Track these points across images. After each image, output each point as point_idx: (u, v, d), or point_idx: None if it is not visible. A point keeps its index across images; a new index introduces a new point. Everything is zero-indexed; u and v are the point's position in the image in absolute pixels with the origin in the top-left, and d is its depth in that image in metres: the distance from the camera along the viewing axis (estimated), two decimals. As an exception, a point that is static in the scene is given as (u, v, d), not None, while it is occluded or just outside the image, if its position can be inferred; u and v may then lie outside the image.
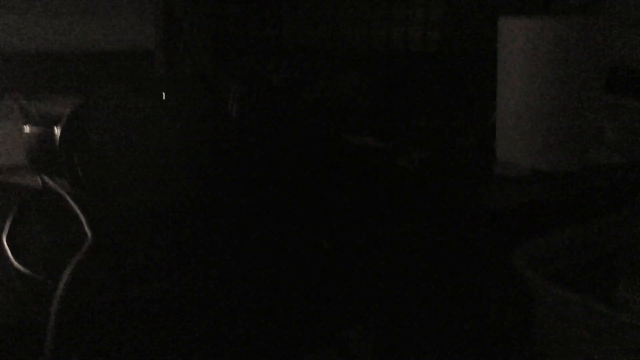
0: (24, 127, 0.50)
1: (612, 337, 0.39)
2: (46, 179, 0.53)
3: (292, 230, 0.42)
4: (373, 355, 0.51)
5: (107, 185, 0.45)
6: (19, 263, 0.36)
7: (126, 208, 0.44)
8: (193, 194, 0.44)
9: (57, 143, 0.44)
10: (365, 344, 0.50)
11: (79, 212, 0.45)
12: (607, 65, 0.59)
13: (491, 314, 0.50)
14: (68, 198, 0.49)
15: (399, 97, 0.94)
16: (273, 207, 0.48)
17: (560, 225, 0.53)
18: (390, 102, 0.93)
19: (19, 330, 0.31)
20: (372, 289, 0.43)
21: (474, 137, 0.70)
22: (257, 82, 0.49)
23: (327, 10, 0.98)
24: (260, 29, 0.95)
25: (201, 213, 0.46)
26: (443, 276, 0.47)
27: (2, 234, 0.41)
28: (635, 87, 0.77)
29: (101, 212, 0.44)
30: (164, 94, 0.43)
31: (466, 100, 0.90)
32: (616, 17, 0.67)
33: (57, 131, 0.45)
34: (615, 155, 0.66)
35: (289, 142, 0.49)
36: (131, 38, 0.90)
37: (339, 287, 0.41)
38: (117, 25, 0.90)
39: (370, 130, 0.79)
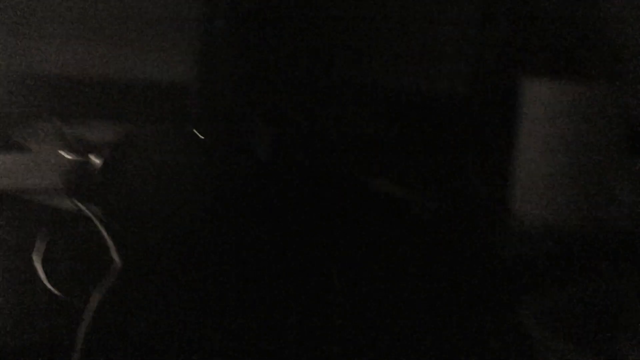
0: (60, 152, 0.52)
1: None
2: (78, 203, 0.56)
3: (305, 269, 0.44)
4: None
5: (139, 215, 0.47)
6: (50, 284, 0.38)
7: (154, 238, 0.46)
8: (218, 231, 0.46)
9: (97, 171, 0.47)
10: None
11: (107, 238, 0.47)
12: (628, 129, 0.61)
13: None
14: (98, 224, 0.51)
15: (420, 141, 0.96)
16: (290, 246, 0.49)
17: (569, 280, 0.54)
18: (411, 146, 0.94)
19: (45, 352, 0.32)
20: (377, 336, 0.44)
21: (490, 187, 0.71)
22: (285, 124, 0.51)
23: (363, 50, 1.01)
24: (300, 68, 0.98)
25: (224, 249, 0.48)
26: (447, 324, 0.48)
27: (33, 254, 0.44)
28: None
29: (130, 240, 0.47)
30: (195, 131, 0.45)
31: (486, 151, 0.92)
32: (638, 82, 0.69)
33: (93, 159, 0.48)
34: (627, 218, 0.67)
35: (312, 186, 0.51)
36: (168, 69, 0.93)
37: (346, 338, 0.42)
38: (155, 56, 0.94)
39: (387, 172, 0.81)
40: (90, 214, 0.54)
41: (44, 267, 0.42)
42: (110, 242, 0.47)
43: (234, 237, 0.49)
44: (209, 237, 0.46)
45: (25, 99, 0.89)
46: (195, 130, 0.46)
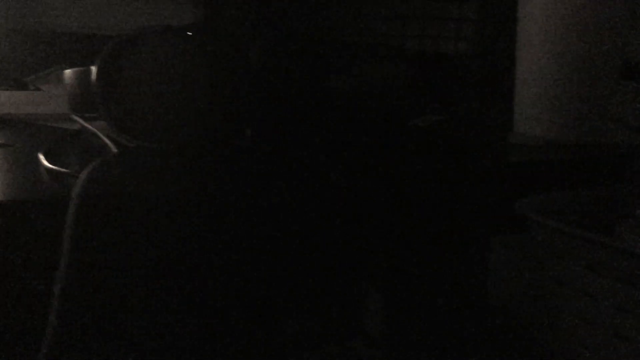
0: (65, 70, 0.54)
1: (609, 267, 0.40)
2: (83, 122, 0.57)
3: (304, 173, 0.45)
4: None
5: (139, 121, 0.48)
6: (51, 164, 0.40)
7: (153, 141, 0.48)
8: (215, 136, 0.47)
9: (94, 79, 0.48)
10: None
11: (111, 147, 0.49)
12: (623, 53, 0.61)
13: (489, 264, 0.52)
14: (101, 136, 0.53)
15: (431, 91, 0.96)
16: (288, 152, 0.50)
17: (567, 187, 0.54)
18: (418, 91, 0.94)
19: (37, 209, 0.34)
20: (377, 247, 0.45)
21: (491, 107, 0.71)
22: (279, 38, 0.52)
23: (362, 5, 1.02)
24: (296, 20, 0.99)
25: (219, 158, 0.49)
26: (446, 231, 0.49)
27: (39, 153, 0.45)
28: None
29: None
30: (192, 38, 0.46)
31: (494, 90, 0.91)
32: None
33: (94, 69, 0.49)
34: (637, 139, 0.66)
35: (307, 91, 0.52)
36: (175, 20, 0.95)
37: (345, 250, 0.43)
38: (161, 7, 0.95)
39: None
40: (94, 129, 0.55)
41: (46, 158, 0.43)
42: (111, 148, 0.48)
43: (228, 145, 0.49)
44: (204, 143, 0.47)
45: (37, 54, 0.92)
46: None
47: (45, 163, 0.39)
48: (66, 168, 0.42)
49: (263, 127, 0.51)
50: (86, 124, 0.57)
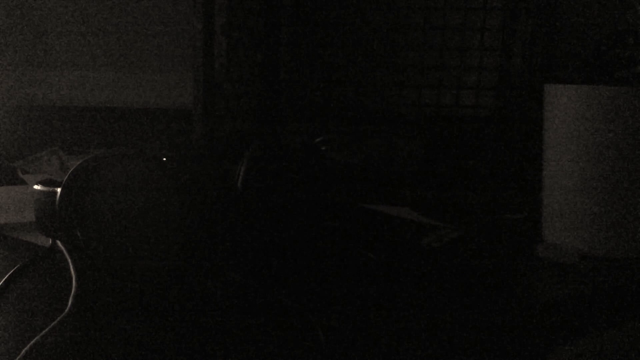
0: (34, 186, 0.48)
1: None
2: (57, 241, 0.52)
3: (295, 316, 0.38)
4: None
5: (104, 248, 0.42)
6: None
7: (120, 278, 0.41)
8: (189, 264, 0.41)
9: (57, 202, 0.42)
10: None
11: (74, 280, 0.43)
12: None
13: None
14: (70, 263, 0.47)
15: (446, 165, 0.90)
16: (277, 284, 0.44)
17: (607, 320, 0.46)
18: (436, 171, 0.88)
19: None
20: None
21: (518, 216, 0.64)
22: (269, 146, 0.45)
23: (376, 74, 0.96)
24: (304, 93, 0.94)
25: (194, 286, 0.43)
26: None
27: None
28: None
29: (93, 281, 0.42)
30: (164, 159, 0.40)
31: (514, 173, 0.84)
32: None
33: (57, 189, 0.43)
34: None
35: (300, 212, 0.46)
36: (172, 97, 0.91)
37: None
38: (158, 84, 0.91)
39: (410, 200, 0.75)
40: (64, 251, 0.49)
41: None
42: (73, 284, 0.42)
43: (209, 281, 0.44)
44: (175, 273, 0.41)
45: (30, 130, 0.88)
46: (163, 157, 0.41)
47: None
48: (23, 314, 0.36)
49: (247, 256, 0.45)
50: (58, 242, 0.51)
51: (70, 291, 0.41)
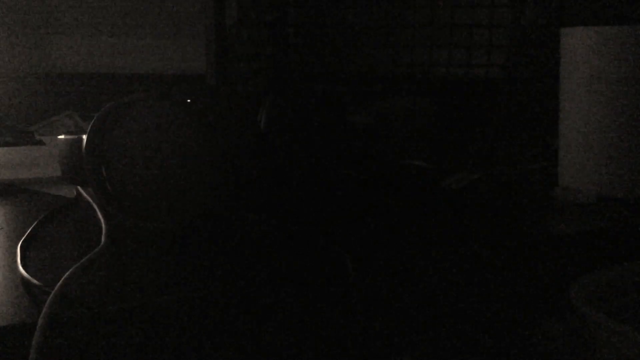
0: (59, 136, 0.49)
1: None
2: (80, 189, 0.53)
3: (320, 256, 0.39)
4: None
5: (132, 193, 0.43)
6: (27, 270, 0.35)
7: (148, 219, 0.42)
8: (215, 209, 0.42)
9: (83, 148, 0.43)
10: None
11: (102, 220, 0.44)
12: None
13: (545, 349, 0.45)
14: (96, 208, 0.47)
15: (459, 122, 0.90)
16: (299, 227, 0.44)
17: (627, 257, 0.47)
18: (448, 128, 0.88)
19: (15, 335, 0.29)
20: (409, 317, 0.39)
21: (535, 160, 0.65)
22: (291, 98, 0.46)
23: (388, 34, 0.96)
24: (317, 54, 0.94)
25: (220, 232, 0.43)
26: (489, 308, 0.42)
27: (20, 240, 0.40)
28: None
29: (123, 222, 0.43)
30: (189, 100, 0.41)
31: (528, 125, 0.84)
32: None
33: (84, 138, 0.44)
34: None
35: (320, 159, 0.46)
36: (185, 62, 0.91)
37: (366, 319, 0.37)
38: (170, 49, 0.91)
39: (424, 155, 0.75)
40: (90, 199, 0.50)
41: (25, 251, 0.38)
42: (104, 225, 0.43)
43: (231, 218, 0.44)
44: (201, 220, 0.41)
45: (46, 96, 0.88)
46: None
47: (21, 270, 0.34)
48: (53, 258, 0.37)
49: (271, 202, 0.45)
50: (83, 192, 0.52)
51: (99, 233, 0.42)
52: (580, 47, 0.53)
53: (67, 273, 0.32)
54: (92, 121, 0.42)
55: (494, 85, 0.92)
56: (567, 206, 0.53)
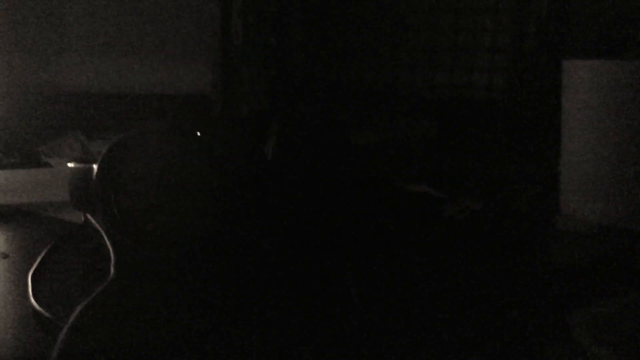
0: (68, 163, 0.50)
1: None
2: (88, 216, 0.53)
3: (324, 282, 0.40)
4: None
5: (141, 223, 0.43)
6: (38, 301, 0.35)
7: (156, 248, 0.43)
8: (224, 237, 0.43)
9: (94, 177, 0.44)
10: None
11: (111, 250, 0.44)
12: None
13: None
14: (104, 236, 0.48)
15: (460, 144, 0.91)
16: (306, 254, 0.45)
17: (629, 288, 0.48)
18: (450, 149, 0.89)
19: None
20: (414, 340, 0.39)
21: (536, 188, 0.65)
22: (298, 122, 0.47)
23: (390, 55, 0.97)
24: (320, 74, 0.95)
25: (230, 257, 0.44)
26: (491, 340, 0.43)
27: (30, 270, 0.41)
28: None
29: (131, 251, 0.43)
30: (198, 132, 0.42)
31: (530, 148, 0.85)
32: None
33: (94, 166, 0.45)
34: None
35: (327, 185, 0.47)
36: (191, 82, 0.92)
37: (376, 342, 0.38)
38: (178, 69, 0.92)
39: (426, 177, 0.76)
40: (98, 226, 0.51)
41: (34, 282, 0.39)
42: (112, 254, 0.44)
43: (241, 251, 0.45)
44: (210, 247, 0.42)
45: (51, 116, 0.89)
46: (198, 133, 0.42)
47: (33, 303, 0.34)
48: (63, 289, 0.38)
49: (277, 226, 0.46)
50: (91, 219, 0.53)
51: (108, 261, 0.43)
52: (582, 79, 0.54)
53: (78, 307, 0.32)
54: (103, 152, 0.43)
55: (494, 107, 0.93)
56: (569, 235, 0.53)
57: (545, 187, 0.69)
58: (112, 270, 0.40)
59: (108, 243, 0.46)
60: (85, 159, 0.53)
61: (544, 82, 0.86)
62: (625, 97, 0.52)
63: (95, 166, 0.45)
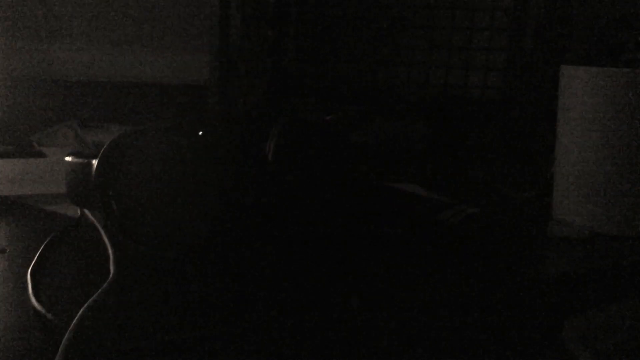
0: (66, 157, 0.50)
1: None
2: (85, 211, 0.53)
3: (321, 280, 0.40)
4: None
5: (140, 220, 0.44)
6: (38, 300, 0.35)
7: (155, 248, 0.43)
8: (222, 236, 0.43)
9: (93, 174, 0.44)
10: None
11: (109, 247, 0.44)
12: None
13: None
14: (102, 232, 0.48)
15: (454, 144, 0.91)
16: (303, 252, 0.45)
17: (619, 295, 0.49)
18: (443, 150, 0.89)
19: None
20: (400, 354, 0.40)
21: (528, 193, 0.66)
22: (297, 122, 0.47)
23: (384, 54, 0.97)
24: (317, 70, 0.95)
25: (228, 256, 0.44)
26: (484, 344, 0.44)
27: (29, 267, 0.41)
28: None
29: (131, 250, 0.43)
30: (200, 132, 0.42)
31: (524, 151, 0.86)
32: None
33: (94, 162, 0.45)
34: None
35: (327, 185, 0.47)
36: (187, 72, 0.91)
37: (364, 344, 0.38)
38: (174, 59, 0.91)
39: (420, 179, 0.76)
40: (95, 222, 0.51)
41: (35, 280, 0.39)
42: (110, 252, 0.44)
43: (242, 251, 0.45)
44: (208, 245, 0.42)
45: (46, 104, 0.88)
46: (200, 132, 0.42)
47: (34, 302, 0.35)
48: (62, 285, 0.38)
49: (276, 225, 0.46)
50: (88, 214, 0.53)
51: (105, 259, 0.43)
52: (579, 85, 0.55)
53: (81, 310, 0.32)
54: (103, 149, 0.43)
55: (489, 106, 0.94)
56: (561, 241, 0.54)
57: (538, 187, 0.69)
58: (111, 268, 0.40)
59: (106, 240, 0.46)
60: (80, 149, 0.53)
61: (542, 83, 0.86)
62: (622, 105, 0.53)
63: (94, 162, 0.45)
